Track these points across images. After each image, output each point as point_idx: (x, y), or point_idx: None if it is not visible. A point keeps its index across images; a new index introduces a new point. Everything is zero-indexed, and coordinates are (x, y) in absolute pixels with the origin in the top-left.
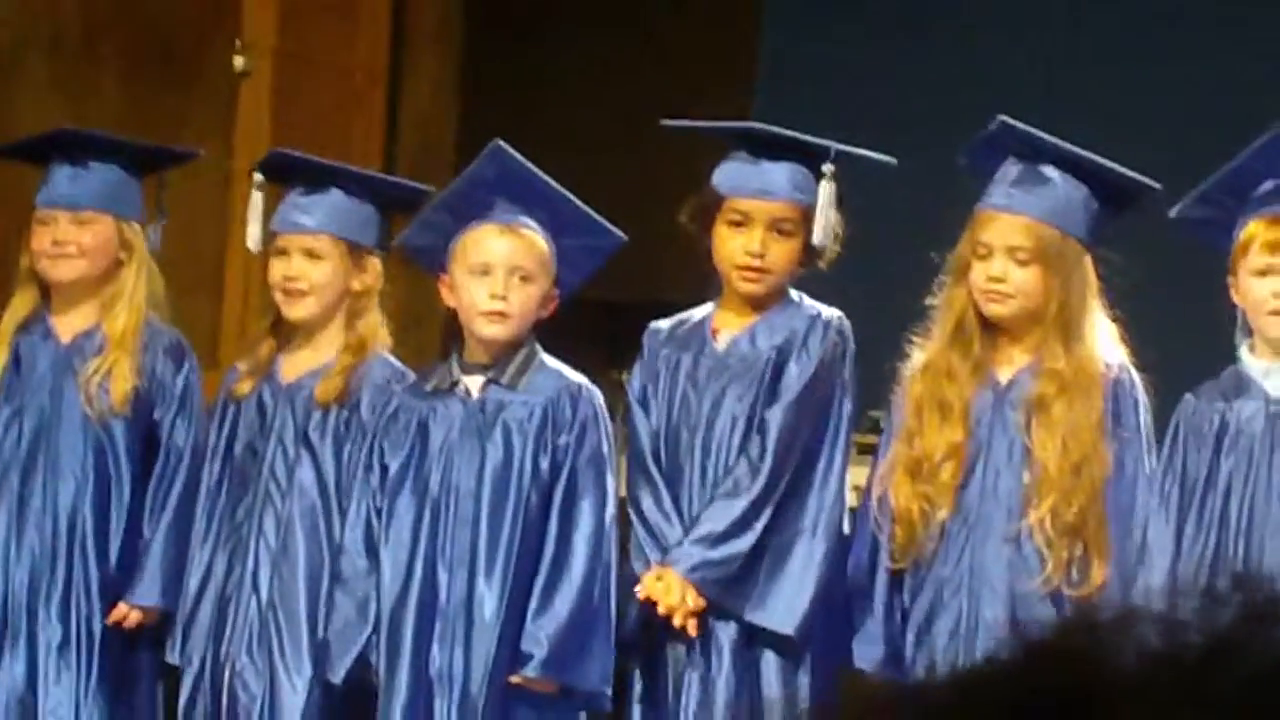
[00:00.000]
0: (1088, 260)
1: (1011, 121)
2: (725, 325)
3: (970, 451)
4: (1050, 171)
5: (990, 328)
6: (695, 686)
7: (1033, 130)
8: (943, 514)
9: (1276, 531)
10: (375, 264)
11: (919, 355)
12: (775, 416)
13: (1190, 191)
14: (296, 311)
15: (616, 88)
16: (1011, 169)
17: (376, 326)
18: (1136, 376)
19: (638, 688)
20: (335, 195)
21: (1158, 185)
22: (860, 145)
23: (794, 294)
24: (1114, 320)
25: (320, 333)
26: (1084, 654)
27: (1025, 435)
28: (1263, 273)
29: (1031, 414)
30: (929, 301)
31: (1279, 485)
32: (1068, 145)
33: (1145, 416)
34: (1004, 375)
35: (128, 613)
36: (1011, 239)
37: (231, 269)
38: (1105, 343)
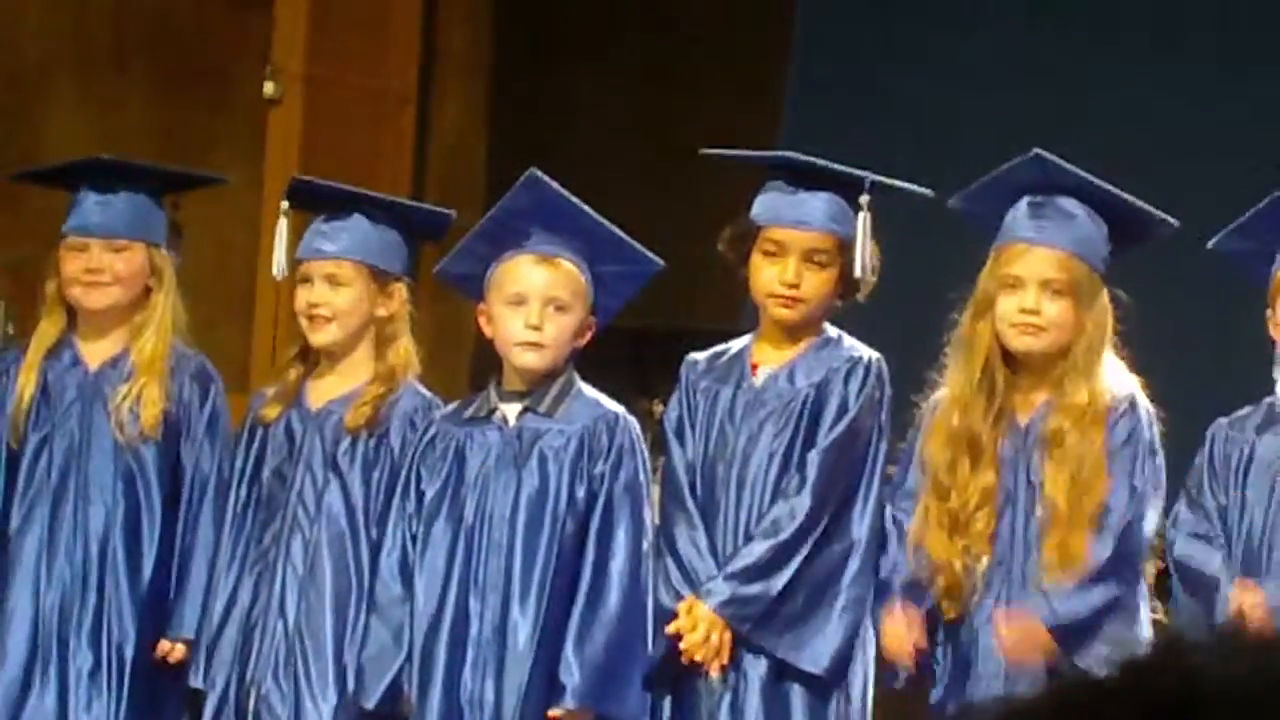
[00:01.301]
0: (1105, 293)
1: (1047, 155)
2: (764, 360)
3: (999, 497)
4: (1073, 205)
5: (1011, 364)
6: (725, 718)
7: (1063, 163)
8: (983, 565)
9: None
10: (401, 290)
11: (942, 394)
12: (815, 458)
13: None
14: (320, 338)
15: (645, 114)
16: (1033, 202)
17: (407, 354)
18: (1144, 402)
19: (667, 718)
20: (357, 221)
21: (1176, 223)
22: (893, 177)
23: (833, 331)
24: (1122, 356)
25: (346, 359)
26: (1181, 668)
27: (1041, 473)
28: None
29: (1044, 449)
30: (946, 338)
31: None
32: (1096, 180)
33: (1151, 442)
34: (1023, 418)
35: (172, 648)
36: (1045, 271)
37: (262, 295)
38: (1114, 374)
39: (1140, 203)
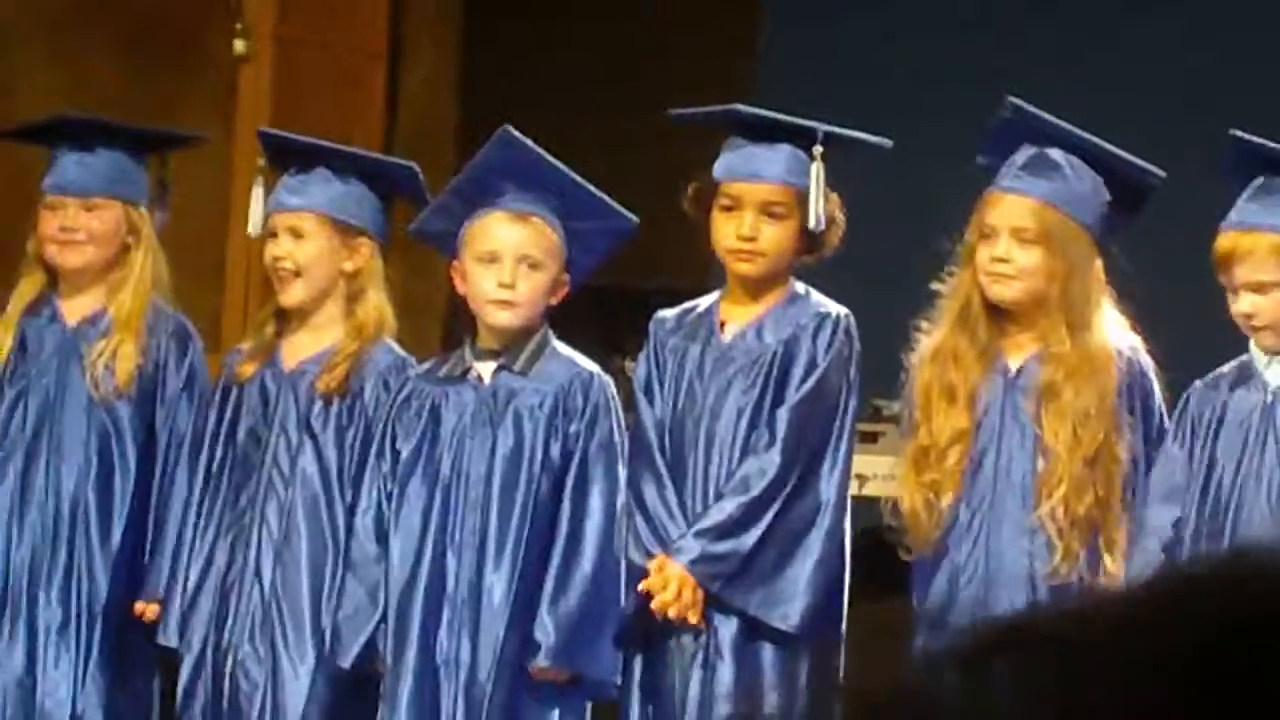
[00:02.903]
0: (1094, 251)
1: (1021, 104)
2: (731, 317)
3: (980, 439)
4: (1059, 156)
5: (998, 313)
6: (697, 677)
7: (1041, 113)
8: (948, 499)
9: (1264, 520)
10: (366, 245)
11: (926, 341)
12: (784, 415)
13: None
14: (289, 297)
15: (616, 71)
16: (1023, 153)
17: (379, 310)
18: (1149, 362)
19: (638, 677)
20: (321, 175)
21: (1162, 173)
22: (865, 132)
23: (800, 287)
24: (1124, 314)
25: (317, 316)
26: (1257, 574)
27: (1036, 423)
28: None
29: (1041, 401)
30: (935, 287)
31: (1269, 473)
32: (1076, 130)
33: (1157, 402)
34: (1014, 362)
35: (145, 608)
36: (1016, 220)
37: (233, 253)
38: (1115, 331)
39: (1124, 153)
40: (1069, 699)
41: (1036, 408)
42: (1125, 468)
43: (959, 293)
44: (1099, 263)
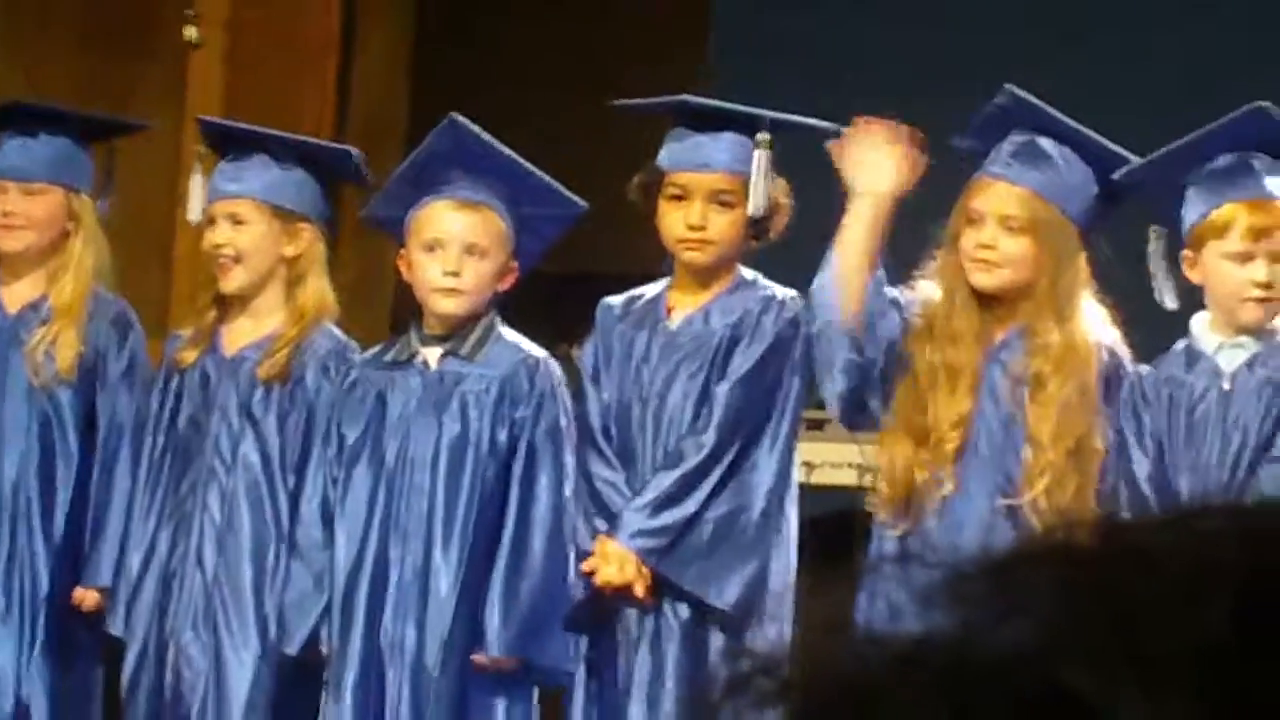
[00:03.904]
0: (1079, 243)
1: (1020, 92)
2: (679, 304)
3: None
4: (1050, 146)
5: (982, 299)
6: (646, 663)
7: (1039, 103)
8: (948, 487)
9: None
10: (307, 230)
11: (919, 323)
12: (723, 391)
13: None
14: (229, 284)
15: (569, 61)
16: (1014, 140)
17: (320, 295)
18: (1128, 356)
19: (585, 660)
20: (259, 160)
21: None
22: (820, 118)
23: (748, 273)
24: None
25: (257, 302)
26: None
27: (1016, 406)
28: (1242, 258)
29: (1026, 389)
30: (917, 273)
31: (1229, 458)
32: (1070, 121)
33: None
34: (998, 335)
35: (85, 595)
36: (1004, 207)
37: (181, 240)
38: (1095, 323)
39: (1115, 147)
40: (1116, 607)
41: (1014, 389)
42: (1101, 458)
43: (947, 277)
44: (1083, 257)
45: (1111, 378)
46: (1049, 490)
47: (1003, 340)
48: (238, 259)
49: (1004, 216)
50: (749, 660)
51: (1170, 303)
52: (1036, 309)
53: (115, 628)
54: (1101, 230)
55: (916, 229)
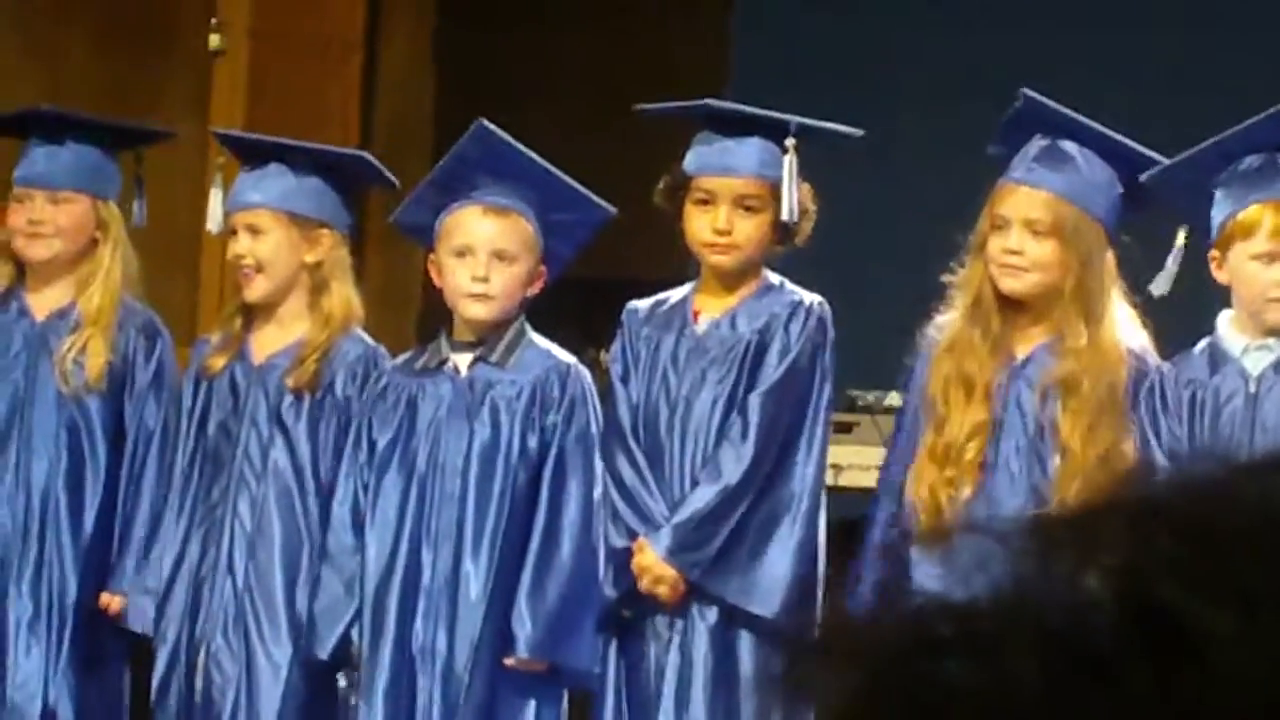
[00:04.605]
0: (1106, 244)
1: (1034, 95)
2: (705, 308)
3: (991, 431)
4: (1072, 148)
5: (1009, 305)
6: (675, 665)
7: (1053, 104)
8: (966, 492)
9: None
10: (326, 236)
11: (937, 334)
12: (756, 402)
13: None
14: (252, 294)
15: (592, 61)
16: (1036, 144)
17: (345, 301)
18: (1157, 361)
19: (614, 663)
20: (274, 170)
21: (1167, 161)
22: (838, 123)
23: (774, 278)
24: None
25: (282, 310)
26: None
27: (1042, 414)
28: (1269, 258)
29: (1055, 395)
30: (946, 279)
31: None
32: (1088, 121)
33: (1161, 388)
34: (1021, 352)
35: (111, 601)
36: (1029, 212)
37: (208, 247)
38: (1126, 326)
39: (1135, 145)
40: (1202, 538)
41: (1043, 399)
42: (1130, 464)
43: (970, 284)
44: (1110, 256)
45: (1140, 384)
46: (1079, 497)
47: (1028, 356)
48: (259, 268)
49: (1028, 221)
50: (818, 628)
51: (1159, 290)
52: (1065, 313)
53: (141, 625)
54: (1129, 229)
55: (956, 239)
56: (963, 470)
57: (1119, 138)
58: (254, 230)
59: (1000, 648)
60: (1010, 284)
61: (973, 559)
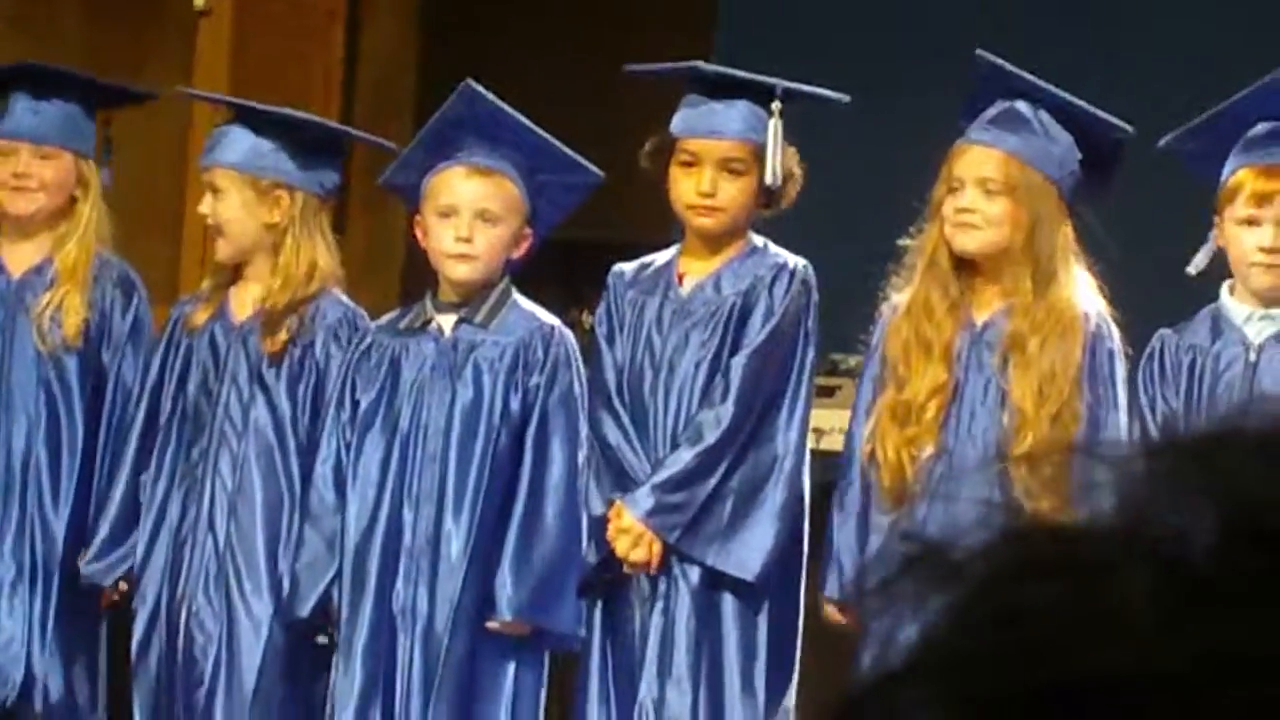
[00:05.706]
0: (1062, 207)
1: (990, 58)
2: (690, 270)
3: (951, 390)
4: (1027, 110)
5: (965, 267)
6: (658, 628)
7: (1009, 67)
8: (928, 451)
9: None
10: (286, 197)
11: (898, 297)
12: (739, 364)
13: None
14: (219, 253)
15: (577, 26)
16: (994, 108)
17: (309, 262)
18: (1114, 328)
19: (599, 624)
20: (234, 131)
21: (1129, 128)
22: (823, 88)
23: (758, 240)
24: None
25: (249, 269)
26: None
27: (1001, 376)
28: (1248, 223)
29: (1007, 354)
30: (902, 243)
31: None
32: (1043, 84)
33: (1120, 369)
34: (980, 317)
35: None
36: (981, 170)
37: (191, 208)
38: (1083, 291)
39: (1090, 107)
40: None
41: (1002, 361)
42: (1081, 426)
43: (926, 246)
44: (1068, 221)
45: (1098, 348)
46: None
47: (987, 321)
48: (219, 230)
49: (982, 179)
50: (922, 542)
51: (1195, 269)
52: (1015, 272)
53: (97, 576)
54: (1100, 200)
55: (882, 197)
56: (923, 429)
57: (1079, 103)
58: (214, 189)
59: (1109, 572)
60: (963, 241)
61: (1080, 484)
